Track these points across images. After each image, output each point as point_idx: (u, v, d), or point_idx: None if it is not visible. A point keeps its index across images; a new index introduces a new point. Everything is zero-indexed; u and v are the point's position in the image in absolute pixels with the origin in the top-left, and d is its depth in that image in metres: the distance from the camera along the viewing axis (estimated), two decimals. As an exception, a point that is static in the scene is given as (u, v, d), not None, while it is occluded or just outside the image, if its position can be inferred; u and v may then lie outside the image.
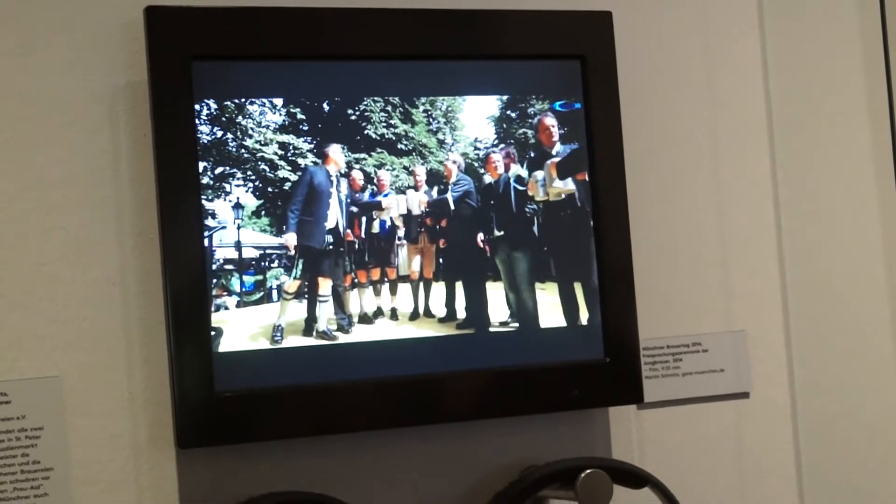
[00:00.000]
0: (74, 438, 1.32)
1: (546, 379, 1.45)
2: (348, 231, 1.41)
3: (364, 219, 1.42)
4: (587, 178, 1.48)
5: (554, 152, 1.48)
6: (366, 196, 1.41)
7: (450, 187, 1.45)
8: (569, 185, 1.47)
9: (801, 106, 1.69)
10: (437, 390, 1.42)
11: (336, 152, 1.40)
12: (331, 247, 1.39)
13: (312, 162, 1.38)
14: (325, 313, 1.38)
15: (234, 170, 1.35)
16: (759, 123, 1.67)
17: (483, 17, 1.47)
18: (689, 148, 1.63)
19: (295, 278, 1.37)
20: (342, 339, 1.39)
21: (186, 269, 1.32)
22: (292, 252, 1.37)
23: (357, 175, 1.40)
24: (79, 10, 1.36)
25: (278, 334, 1.35)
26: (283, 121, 1.38)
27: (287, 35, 1.37)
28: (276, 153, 1.37)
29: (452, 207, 1.44)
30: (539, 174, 1.47)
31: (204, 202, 1.33)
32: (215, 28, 1.34)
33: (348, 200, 1.41)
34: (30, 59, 1.34)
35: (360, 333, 1.39)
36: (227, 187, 1.34)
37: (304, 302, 1.37)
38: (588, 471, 1.41)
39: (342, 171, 1.40)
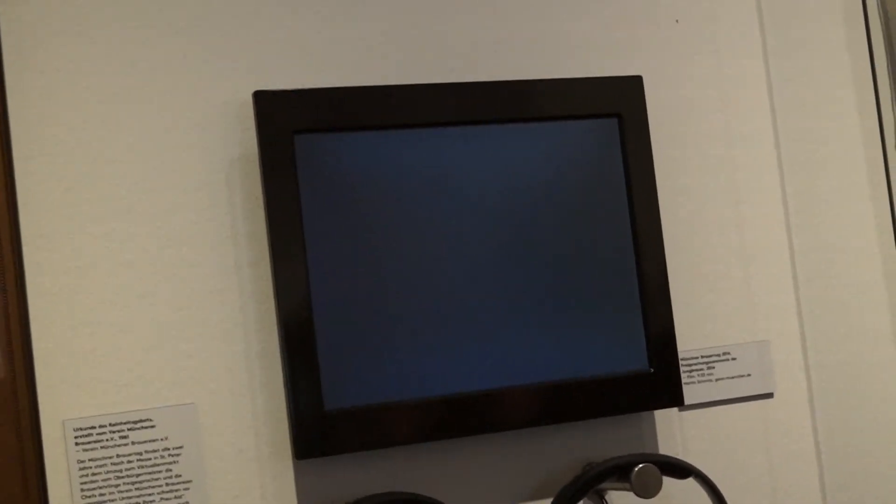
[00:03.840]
0: (209, 454, 1.42)
1: (600, 388, 1.53)
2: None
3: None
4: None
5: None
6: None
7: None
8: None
9: (806, 144, 1.74)
10: (509, 402, 1.49)
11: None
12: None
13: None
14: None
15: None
16: (770, 160, 1.74)
17: (537, 85, 1.56)
18: (710, 184, 1.70)
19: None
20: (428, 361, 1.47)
21: (296, 310, 1.41)
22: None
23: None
24: (201, 96, 1.47)
25: None
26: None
27: (370, 109, 1.48)
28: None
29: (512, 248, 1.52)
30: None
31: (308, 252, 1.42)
32: (312, 106, 1.45)
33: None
34: (163, 138, 1.45)
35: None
36: (327, 240, 1.44)
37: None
38: (640, 465, 1.49)
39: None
